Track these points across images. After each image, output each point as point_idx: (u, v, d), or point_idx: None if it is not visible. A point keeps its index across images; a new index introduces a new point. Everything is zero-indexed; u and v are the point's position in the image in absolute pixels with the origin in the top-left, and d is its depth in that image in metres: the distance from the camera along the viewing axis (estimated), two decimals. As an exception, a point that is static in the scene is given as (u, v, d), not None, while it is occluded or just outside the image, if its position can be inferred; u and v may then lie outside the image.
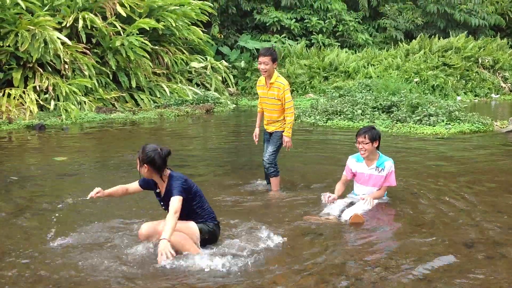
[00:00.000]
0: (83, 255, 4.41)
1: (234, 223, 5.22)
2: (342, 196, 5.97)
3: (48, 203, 6.00)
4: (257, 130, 6.74)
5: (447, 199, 6.14)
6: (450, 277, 4.05)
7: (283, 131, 6.37)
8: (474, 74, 19.59)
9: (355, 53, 21.74)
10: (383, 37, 24.39)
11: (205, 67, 17.56)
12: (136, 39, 14.78)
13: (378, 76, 18.39)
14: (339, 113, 12.98)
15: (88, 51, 14.52)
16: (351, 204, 5.77)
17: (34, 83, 13.19)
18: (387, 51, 21.32)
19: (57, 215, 5.33)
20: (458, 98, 18.23)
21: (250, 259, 4.32)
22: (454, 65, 19.37)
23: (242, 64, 20.74)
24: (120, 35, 14.94)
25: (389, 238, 5.14)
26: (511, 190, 6.68)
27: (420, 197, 6.23)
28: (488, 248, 4.67)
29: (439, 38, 21.36)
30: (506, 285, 3.93)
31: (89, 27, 14.52)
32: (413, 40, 21.79)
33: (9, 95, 12.71)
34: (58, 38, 13.30)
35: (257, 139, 6.72)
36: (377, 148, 5.78)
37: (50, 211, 5.66)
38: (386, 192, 5.94)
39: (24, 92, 12.86)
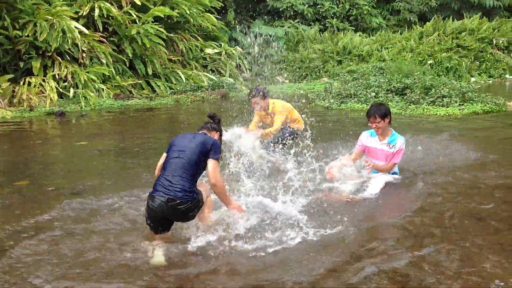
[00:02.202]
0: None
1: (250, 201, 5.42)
2: (358, 173, 6.17)
3: (74, 184, 6.28)
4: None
5: (458, 176, 6.30)
6: (458, 249, 4.25)
7: (293, 128, 7.07)
8: (488, 55, 19.55)
9: (369, 36, 21.78)
10: (397, 20, 24.38)
11: (220, 53, 17.78)
12: (152, 27, 15.04)
13: (391, 59, 18.45)
14: (352, 96, 13.12)
15: (104, 40, 14.82)
16: (365, 181, 5.96)
17: (53, 71, 13.51)
18: (400, 34, 21.36)
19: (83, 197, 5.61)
20: (472, 79, 18.25)
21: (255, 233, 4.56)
22: (468, 46, 19.35)
23: (256, 49, 20.87)
24: (136, 23, 15.20)
25: (398, 213, 5.29)
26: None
27: (431, 175, 6.38)
28: (498, 222, 4.83)
29: (453, 20, 21.31)
30: None
31: (105, 16, 14.79)
32: (427, 22, 21.75)
33: (29, 83, 13.05)
34: (75, 27, 13.58)
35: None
36: (389, 123, 5.93)
37: (77, 192, 5.94)
38: (397, 169, 6.10)
39: (44, 81, 13.19)
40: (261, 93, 6.76)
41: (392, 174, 6.04)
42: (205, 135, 4.61)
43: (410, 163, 6.81)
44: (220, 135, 4.88)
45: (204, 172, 4.54)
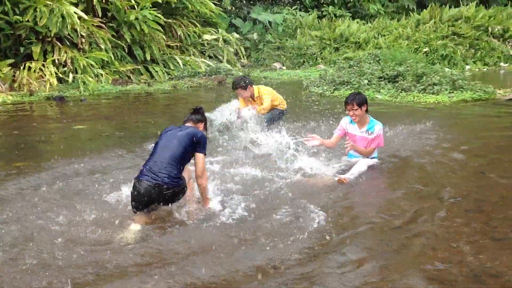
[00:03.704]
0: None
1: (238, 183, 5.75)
2: (339, 159, 6.53)
3: (69, 165, 6.59)
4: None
5: (435, 160, 6.61)
6: (431, 226, 4.58)
7: (281, 109, 7.97)
8: (483, 43, 19.77)
9: (367, 23, 21.97)
10: (396, 6, 24.52)
11: (217, 40, 18.01)
12: (150, 13, 15.28)
13: (388, 47, 18.68)
14: (346, 83, 13.38)
15: (103, 25, 15.05)
16: (344, 167, 6.29)
17: (53, 56, 13.78)
18: (398, 21, 21.53)
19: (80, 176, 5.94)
20: (467, 67, 18.48)
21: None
22: (463, 34, 19.56)
23: (255, 36, 21.11)
24: (134, 9, 15.42)
25: (376, 194, 5.64)
26: (495, 151, 7.16)
27: (408, 159, 6.70)
28: (467, 203, 5.14)
29: (450, 7, 21.50)
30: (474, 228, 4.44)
31: (104, 1, 15.02)
32: (425, 9, 21.94)
33: (29, 68, 13.33)
34: (75, 12, 13.80)
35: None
36: (366, 111, 6.23)
37: (72, 165, 6.27)
38: (377, 154, 6.40)
39: (43, 65, 13.47)
40: (242, 84, 7.45)
41: (372, 158, 6.35)
42: (192, 127, 4.97)
43: (390, 149, 7.13)
44: (205, 125, 5.21)
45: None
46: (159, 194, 4.51)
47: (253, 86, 7.79)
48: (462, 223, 4.62)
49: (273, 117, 7.95)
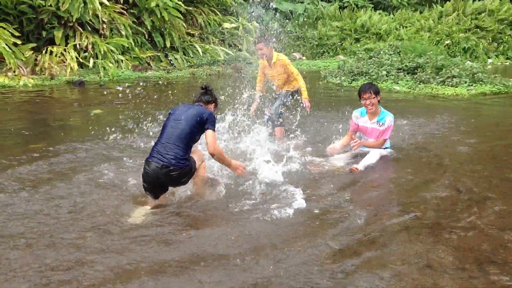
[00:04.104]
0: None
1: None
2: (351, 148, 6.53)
3: (83, 143, 6.73)
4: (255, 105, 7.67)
5: (450, 151, 6.59)
6: (439, 215, 4.59)
7: (292, 90, 7.50)
8: (506, 37, 19.47)
9: (389, 15, 21.77)
10: (419, -2, 24.25)
11: (237, 28, 18.03)
12: (170, 0, 15.34)
13: (409, 38, 18.51)
14: (364, 74, 13.33)
15: (125, 12, 15.17)
16: (356, 156, 6.30)
17: (74, 41, 13.95)
18: (420, 13, 21.28)
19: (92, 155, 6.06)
20: (489, 60, 18.23)
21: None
22: (487, 27, 19.28)
23: (276, 25, 21.06)
24: (155, -5, 15.51)
25: (388, 185, 5.65)
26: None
27: (422, 150, 6.69)
28: (480, 193, 5.13)
29: (473, 0, 21.18)
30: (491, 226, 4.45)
31: (126, -12, 15.13)
32: (448, 2, 21.66)
33: (51, 52, 13.52)
34: (96, -2, 13.97)
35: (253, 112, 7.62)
36: (379, 101, 6.23)
37: (85, 149, 6.40)
38: (389, 144, 6.40)
39: (65, 50, 13.65)
40: (265, 39, 7.25)
41: (385, 148, 6.35)
42: (201, 107, 4.94)
43: (403, 139, 7.11)
44: (216, 105, 5.22)
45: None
46: (165, 175, 4.59)
47: (273, 51, 7.45)
48: (474, 213, 4.63)
49: (286, 101, 7.57)
